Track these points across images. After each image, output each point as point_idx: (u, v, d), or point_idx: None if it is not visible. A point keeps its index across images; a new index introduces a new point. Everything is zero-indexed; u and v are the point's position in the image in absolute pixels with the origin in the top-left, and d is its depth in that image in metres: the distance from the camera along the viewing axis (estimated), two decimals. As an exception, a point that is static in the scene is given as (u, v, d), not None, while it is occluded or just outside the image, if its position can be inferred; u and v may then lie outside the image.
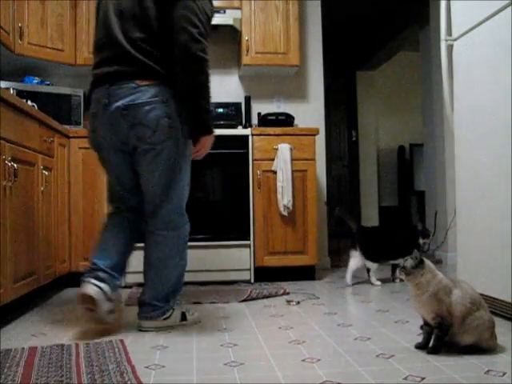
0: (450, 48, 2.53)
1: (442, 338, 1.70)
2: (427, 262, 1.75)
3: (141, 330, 2.12)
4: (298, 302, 2.66)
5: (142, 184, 2.13)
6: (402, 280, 1.80)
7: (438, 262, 4.20)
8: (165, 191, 2.09)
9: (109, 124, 2.05)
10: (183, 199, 2.18)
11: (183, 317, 2.20)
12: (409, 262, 1.74)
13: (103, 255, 2.13)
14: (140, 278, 3.16)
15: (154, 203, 2.11)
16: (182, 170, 2.11)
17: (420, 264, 1.72)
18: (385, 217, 6.86)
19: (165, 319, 2.14)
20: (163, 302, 2.14)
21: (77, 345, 1.86)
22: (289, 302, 2.67)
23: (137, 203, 2.21)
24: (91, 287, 2.01)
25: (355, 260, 3.23)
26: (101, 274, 2.06)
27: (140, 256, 3.17)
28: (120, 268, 2.19)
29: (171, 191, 2.10)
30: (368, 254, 3.21)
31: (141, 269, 3.17)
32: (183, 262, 2.21)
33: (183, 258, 2.20)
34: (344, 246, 5.84)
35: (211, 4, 2.10)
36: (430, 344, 1.74)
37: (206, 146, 2.16)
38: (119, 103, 1.99)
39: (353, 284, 3.22)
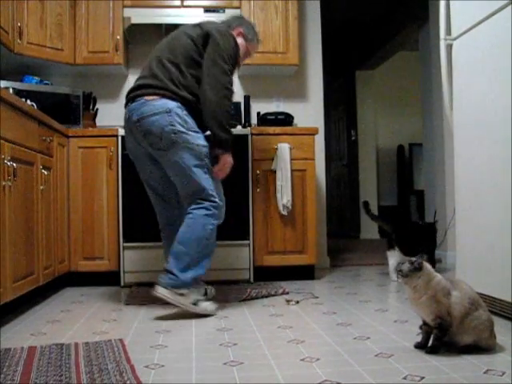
0: (449, 47, 2.52)
1: (441, 337, 1.70)
2: (425, 264, 1.74)
3: (152, 303, 2.28)
4: (298, 302, 2.66)
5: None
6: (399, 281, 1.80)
7: (437, 262, 4.20)
8: (186, 185, 2.40)
9: (132, 136, 2.45)
10: (209, 187, 2.40)
11: (205, 292, 2.54)
12: (406, 265, 1.73)
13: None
14: (140, 278, 3.20)
15: (183, 195, 2.44)
16: (197, 165, 2.37)
17: (418, 267, 1.72)
18: (384, 216, 6.85)
19: (179, 295, 2.25)
20: (182, 272, 2.28)
21: (76, 344, 1.86)
22: (288, 301, 2.67)
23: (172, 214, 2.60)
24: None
25: (393, 259, 3.36)
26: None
27: (139, 255, 3.19)
28: None
29: (192, 183, 2.38)
30: (405, 250, 3.31)
31: (140, 269, 3.21)
32: (209, 243, 2.38)
33: (209, 239, 2.39)
34: (343, 245, 5.85)
35: (237, 46, 2.48)
36: (429, 344, 1.74)
37: (225, 167, 2.48)
38: (134, 117, 2.38)
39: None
